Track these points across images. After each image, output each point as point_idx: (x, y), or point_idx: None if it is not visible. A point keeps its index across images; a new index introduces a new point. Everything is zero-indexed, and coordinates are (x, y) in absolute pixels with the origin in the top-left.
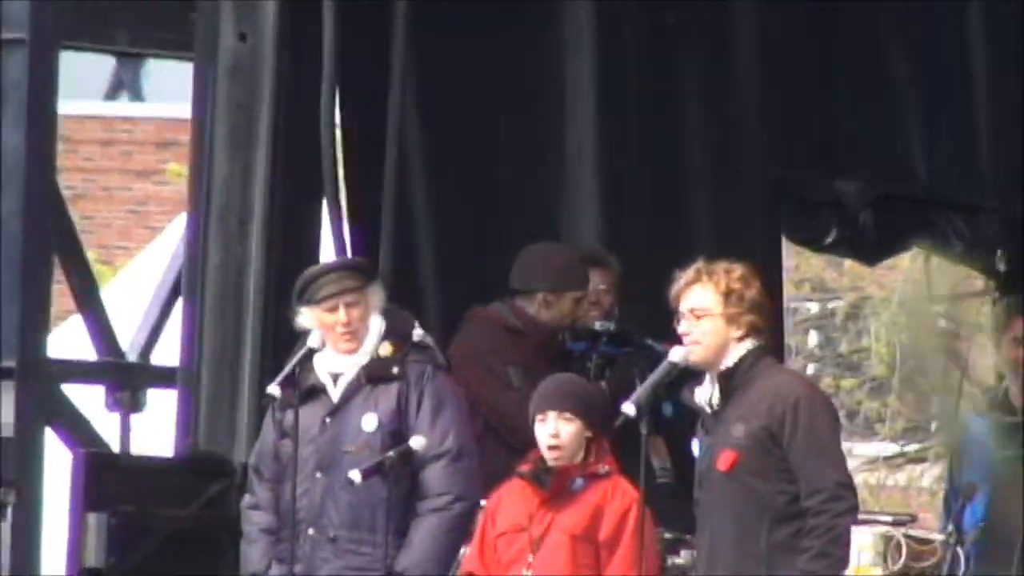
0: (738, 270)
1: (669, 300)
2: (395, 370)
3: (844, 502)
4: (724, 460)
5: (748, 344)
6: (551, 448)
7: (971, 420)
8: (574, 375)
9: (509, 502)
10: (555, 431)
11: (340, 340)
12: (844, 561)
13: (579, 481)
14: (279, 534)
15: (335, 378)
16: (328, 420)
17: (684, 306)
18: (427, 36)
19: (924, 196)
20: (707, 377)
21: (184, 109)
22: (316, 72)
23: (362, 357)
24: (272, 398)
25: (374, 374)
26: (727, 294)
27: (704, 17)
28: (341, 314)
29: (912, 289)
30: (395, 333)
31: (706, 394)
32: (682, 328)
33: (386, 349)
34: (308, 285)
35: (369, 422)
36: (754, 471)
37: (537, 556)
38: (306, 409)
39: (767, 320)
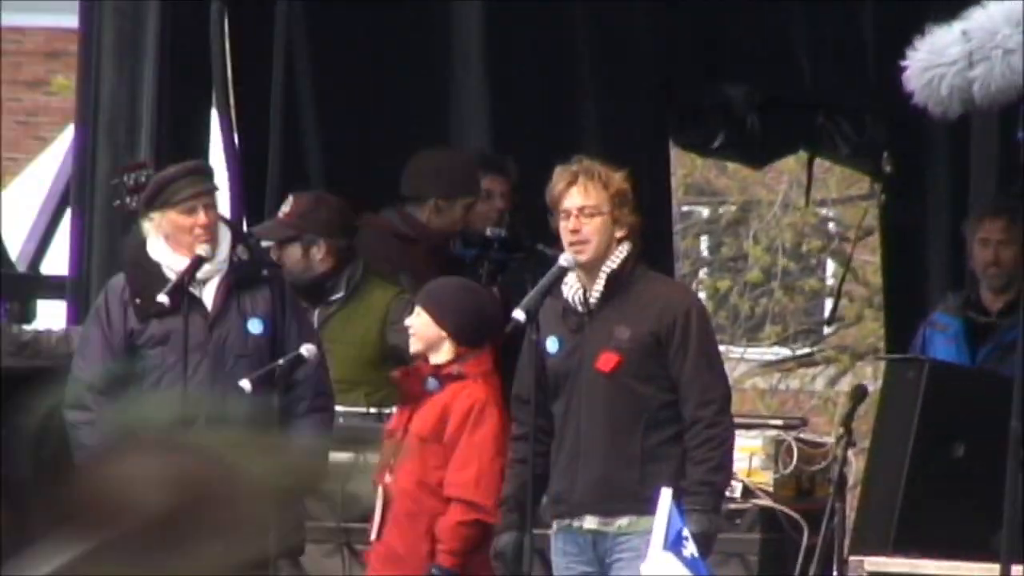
0: (620, 171)
1: (547, 199)
2: (265, 272)
3: (730, 416)
4: (606, 361)
5: (627, 246)
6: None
7: (939, 319)
8: (467, 280)
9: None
10: (411, 323)
11: (197, 243)
12: (731, 473)
13: (432, 382)
14: None
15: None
16: (212, 325)
17: (570, 204)
18: None
19: (810, 99)
20: (574, 276)
21: (72, 19)
22: None
23: (220, 263)
24: (163, 306)
25: (243, 277)
26: (616, 194)
27: None
28: (201, 215)
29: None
30: (237, 237)
31: (576, 292)
32: (570, 226)
33: (244, 252)
34: (164, 188)
35: (255, 325)
36: (636, 374)
37: (397, 460)
38: (176, 318)
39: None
